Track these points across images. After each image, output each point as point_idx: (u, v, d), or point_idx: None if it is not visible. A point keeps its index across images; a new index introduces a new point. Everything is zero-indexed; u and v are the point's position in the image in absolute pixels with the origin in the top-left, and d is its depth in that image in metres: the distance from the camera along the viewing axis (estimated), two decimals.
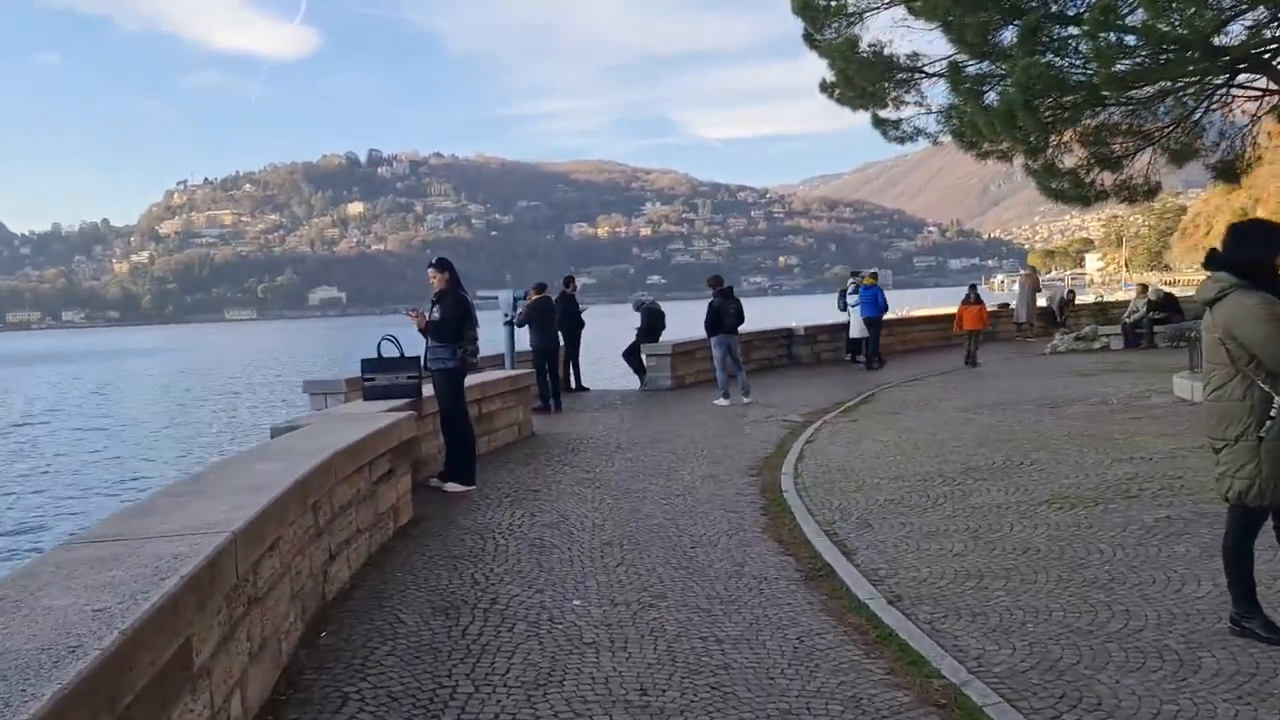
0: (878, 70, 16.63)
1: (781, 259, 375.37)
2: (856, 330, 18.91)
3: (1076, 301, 27.10)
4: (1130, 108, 13.46)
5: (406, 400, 8.01)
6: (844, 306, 19.49)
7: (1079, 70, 12.46)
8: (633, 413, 13.75)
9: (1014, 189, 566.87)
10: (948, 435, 10.05)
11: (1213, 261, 4.28)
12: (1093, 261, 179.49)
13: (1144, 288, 20.11)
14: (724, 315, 14.03)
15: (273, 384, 44.72)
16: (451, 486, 8.04)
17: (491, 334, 11.87)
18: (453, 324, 8.00)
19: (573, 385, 16.52)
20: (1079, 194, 13.70)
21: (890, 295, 20.68)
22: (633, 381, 17.17)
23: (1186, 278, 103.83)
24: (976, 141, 14.43)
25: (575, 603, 5.11)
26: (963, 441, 9.56)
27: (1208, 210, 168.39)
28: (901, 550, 5.93)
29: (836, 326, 20.61)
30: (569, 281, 17.04)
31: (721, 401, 14.04)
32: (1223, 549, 4.32)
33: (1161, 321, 18.96)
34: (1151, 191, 14.28)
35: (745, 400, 14.07)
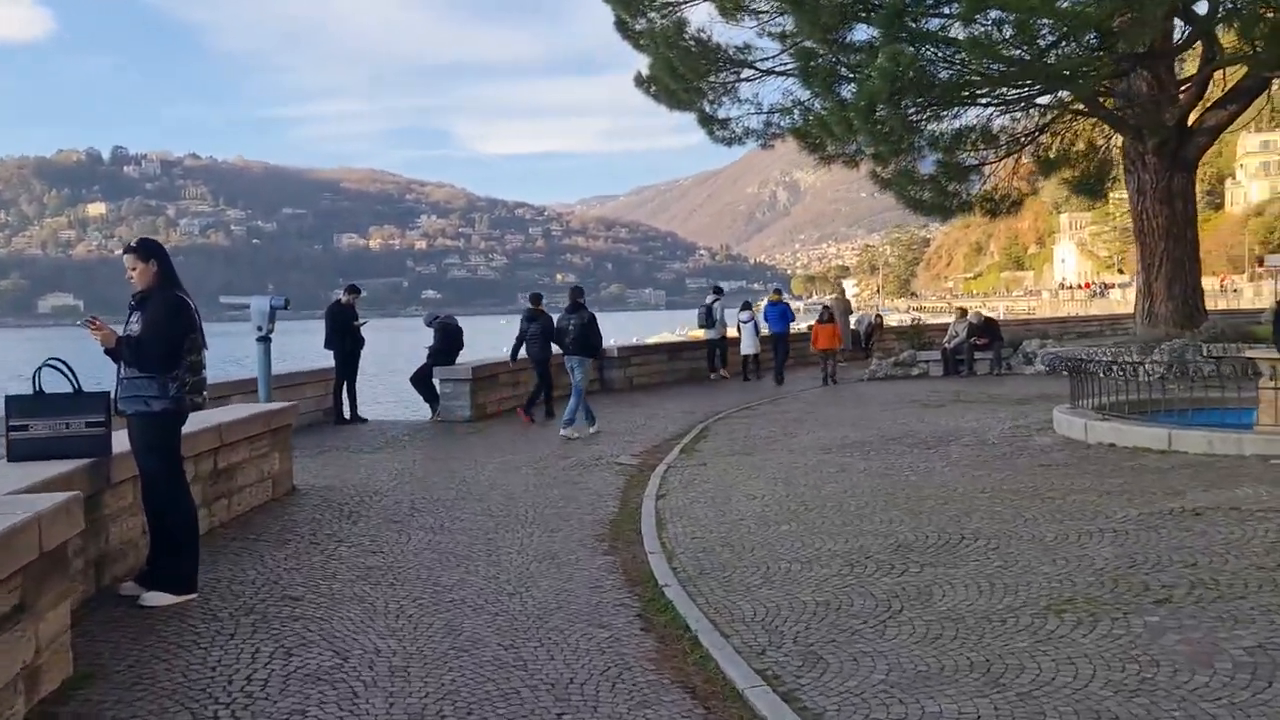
0: (705, 60, 14.84)
1: (559, 276, 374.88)
2: (749, 347, 19.03)
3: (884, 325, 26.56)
4: (1001, 106, 12.24)
5: (84, 462, 5.08)
6: (711, 323, 18.89)
7: (948, 64, 11.04)
8: (426, 453, 11.04)
9: (776, 216, 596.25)
10: (836, 488, 8.06)
11: None
12: (849, 287, 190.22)
13: (963, 312, 19.36)
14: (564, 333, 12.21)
15: None
16: (156, 598, 5.14)
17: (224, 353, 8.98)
18: (164, 341, 5.14)
19: (346, 415, 13.55)
20: (940, 203, 12.40)
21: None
22: (421, 410, 14.39)
23: (931, 304, 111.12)
24: (821, 142, 12.86)
25: None
26: (861, 499, 7.58)
27: (948, 243, 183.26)
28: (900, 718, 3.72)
29: (647, 348, 18.77)
30: (352, 290, 14.06)
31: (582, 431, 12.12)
32: None
33: (982, 348, 18.19)
34: (1016, 204, 13.20)
35: (564, 433, 11.77)
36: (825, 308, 19.76)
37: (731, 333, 19.61)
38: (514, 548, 6.66)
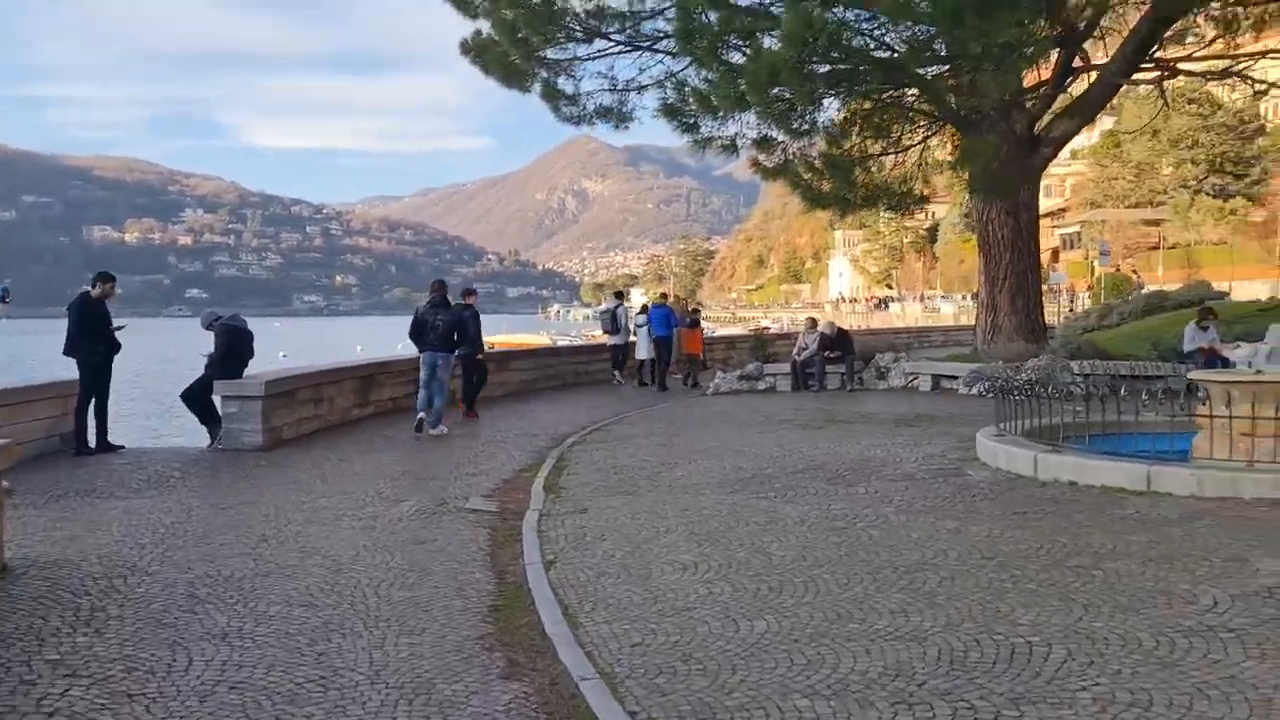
0: (553, 24, 12.71)
1: (338, 278, 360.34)
2: (644, 351, 18.14)
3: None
4: (865, 95, 10.83)
5: None
6: (616, 329, 18.33)
7: (863, 31, 9.46)
8: (206, 498, 8.28)
9: (565, 224, 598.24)
10: (786, 553, 6.14)
11: None
12: (638, 296, 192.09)
13: (813, 322, 18.08)
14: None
15: None
16: None
17: None
18: None
19: (91, 443, 10.46)
20: (842, 195, 10.83)
21: None
22: (197, 435, 11.44)
23: (715, 314, 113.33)
24: (695, 123, 11.02)
25: None
26: (833, 570, 5.69)
27: (731, 255, 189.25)
28: None
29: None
30: (104, 278, 10.88)
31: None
32: None
33: (834, 361, 16.96)
34: (922, 199, 11.88)
35: (433, 432, 11.69)
36: (695, 311, 19.58)
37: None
38: (362, 671, 4.34)
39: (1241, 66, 14.78)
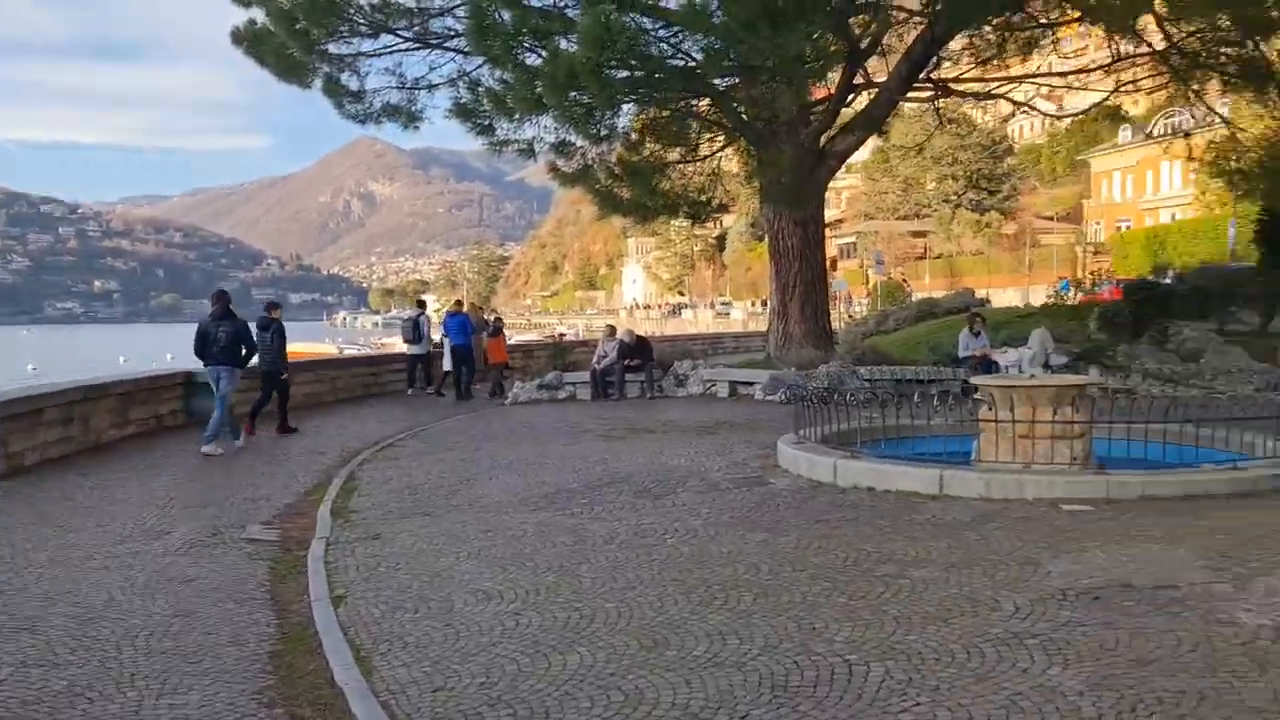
0: (334, 14, 11.92)
1: (98, 283, 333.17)
2: (448, 361, 17.74)
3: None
4: (722, 90, 10.74)
5: None
6: (418, 338, 17.68)
7: (661, 39, 9.35)
8: None
9: (351, 227, 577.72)
10: (596, 574, 5.86)
11: None
12: (431, 302, 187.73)
13: (612, 330, 17.93)
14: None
15: None
16: None
17: None
18: None
19: None
20: (642, 202, 10.65)
21: None
22: None
23: (511, 321, 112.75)
24: (490, 125, 10.61)
25: None
26: (645, 591, 5.45)
27: (526, 261, 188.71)
28: None
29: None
30: None
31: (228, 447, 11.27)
32: None
33: (634, 369, 16.91)
34: (722, 208, 11.88)
35: (205, 450, 10.96)
36: (498, 319, 19.44)
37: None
38: None
39: (1007, 88, 15.92)
